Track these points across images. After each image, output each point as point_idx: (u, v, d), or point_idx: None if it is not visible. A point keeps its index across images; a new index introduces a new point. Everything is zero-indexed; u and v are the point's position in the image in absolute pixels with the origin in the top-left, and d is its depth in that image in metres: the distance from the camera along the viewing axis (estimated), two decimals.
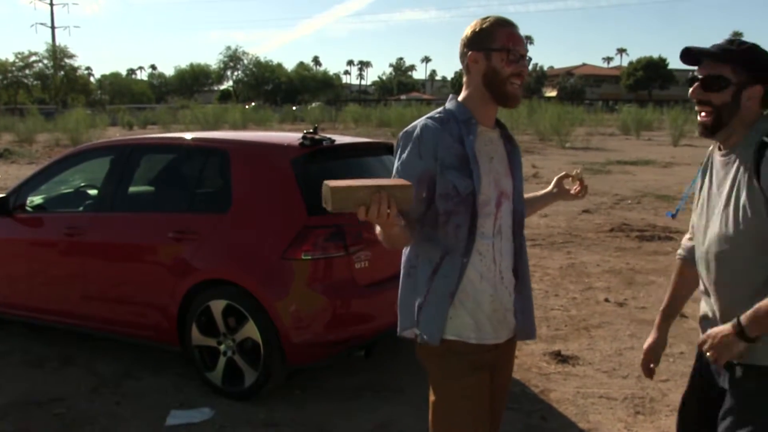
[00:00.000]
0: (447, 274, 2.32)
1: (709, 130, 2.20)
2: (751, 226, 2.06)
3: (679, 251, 2.60)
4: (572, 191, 2.81)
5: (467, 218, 2.29)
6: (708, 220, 2.22)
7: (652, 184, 14.95)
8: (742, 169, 2.11)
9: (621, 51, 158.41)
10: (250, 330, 4.24)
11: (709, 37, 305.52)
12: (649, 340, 2.60)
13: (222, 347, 4.41)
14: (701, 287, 2.35)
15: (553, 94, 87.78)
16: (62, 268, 5.13)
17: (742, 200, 2.08)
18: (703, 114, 2.20)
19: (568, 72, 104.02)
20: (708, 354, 2.15)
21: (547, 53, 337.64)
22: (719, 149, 2.25)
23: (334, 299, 4.19)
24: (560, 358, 5.00)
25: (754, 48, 2.16)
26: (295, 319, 4.15)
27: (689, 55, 2.22)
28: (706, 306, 2.32)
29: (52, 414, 4.23)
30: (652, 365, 2.60)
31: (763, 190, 2.03)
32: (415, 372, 4.76)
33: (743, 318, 2.05)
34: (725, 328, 2.10)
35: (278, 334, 4.14)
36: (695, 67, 2.24)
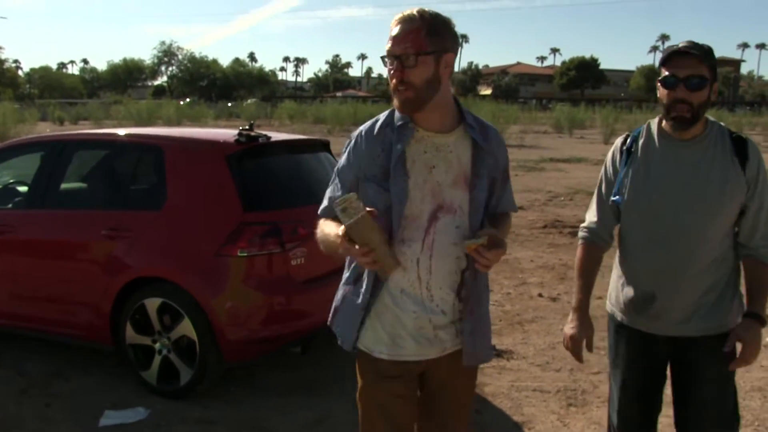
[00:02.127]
0: (362, 286, 2.26)
1: (685, 125, 2.36)
2: (732, 205, 2.39)
3: (584, 234, 2.68)
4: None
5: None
6: (672, 197, 2.39)
7: (585, 181, 15.33)
8: (719, 157, 2.40)
9: (554, 51, 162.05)
10: (186, 328, 4.20)
11: (637, 40, 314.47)
12: (575, 327, 2.62)
13: (157, 345, 4.35)
14: (635, 268, 2.53)
15: (488, 92, 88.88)
16: None
17: (727, 183, 2.37)
18: (682, 110, 2.33)
19: (503, 70, 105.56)
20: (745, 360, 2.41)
21: (483, 52, 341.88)
22: (662, 135, 2.47)
23: (270, 296, 4.19)
24: (495, 352, 5.10)
25: (711, 49, 2.37)
26: (231, 316, 4.14)
27: (664, 55, 2.37)
28: (638, 288, 2.51)
29: None
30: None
31: (747, 181, 2.38)
32: (351, 367, 4.79)
33: (760, 309, 2.41)
34: (754, 328, 2.39)
35: (214, 332, 4.12)
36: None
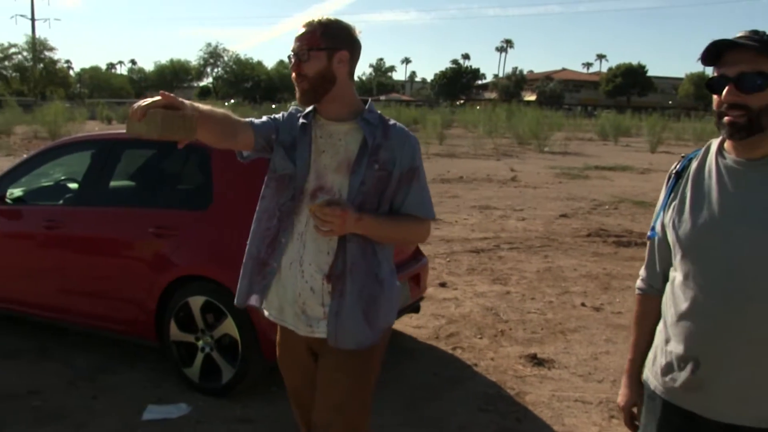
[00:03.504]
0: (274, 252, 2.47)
1: (742, 134, 1.81)
2: None
3: (639, 285, 2.22)
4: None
5: (278, 197, 2.44)
6: (724, 231, 1.83)
7: (630, 190, 15.13)
8: None
9: (600, 57, 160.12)
10: (229, 327, 4.25)
11: (687, 46, 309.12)
12: (626, 395, 2.23)
13: (200, 343, 4.42)
14: (676, 321, 1.94)
15: (533, 98, 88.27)
16: (41, 261, 5.10)
17: None
18: (735, 115, 1.81)
19: (548, 76, 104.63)
20: None
21: (527, 57, 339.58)
22: (722, 155, 1.92)
23: None
24: (536, 361, 5.06)
25: None
26: None
27: (712, 51, 1.84)
28: (677, 348, 1.93)
29: (29, 406, 4.22)
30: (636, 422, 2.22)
31: None
32: (390, 371, 4.81)
33: None
34: None
35: (256, 331, 4.16)
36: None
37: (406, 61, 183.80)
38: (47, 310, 5.13)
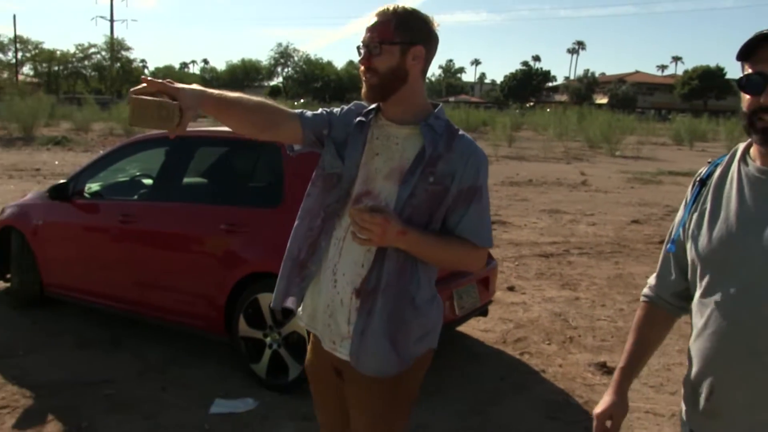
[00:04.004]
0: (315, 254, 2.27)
1: None
2: None
3: (646, 292, 2.05)
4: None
5: (324, 198, 2.23)
6: (742, 246, 1.64)
7: None
8: None
9: (676, 59, 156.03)
10: (296, 324, 4.27)
11: None
12: (605, 403, 1.98)
13: (268, 340, 4.46)
14: (694, 344, 1.76)
15: (604, 101, 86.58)
16: (116, 254, 5.25)
17: None
18: None
19: (620, 79, 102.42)
20: None
21: (599, 60, 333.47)
22: (745, 162, 1.73)
23: None
24: (605, 369, 4.93)
25: None
26: None
27: (750, 45, 1.63)
28: (693, 373, 1.78)
29: (102, 395, 4.34)
30: None
31: None
32: (456, 374, 4.76)
33: None
34: None
35: None
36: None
37: (476, 62, 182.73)
38: (120, 302, 5.27)
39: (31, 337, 5.31)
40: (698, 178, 1.86)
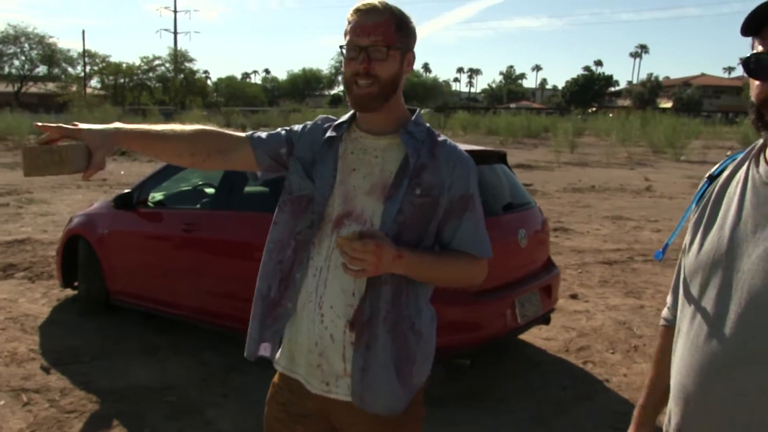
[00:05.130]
0: (270, 276, 2.06)
1: None
2: None
3: (664, 314, 1.75)
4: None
5: (294, 224, 2.02)
6: (733, 258, 1.36)
7: None
8: None
9: None
10: None
11: None
12: None
13: None
14: (676, 363, 1.48)
15: (669, 105, 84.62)
16: (179, 262, 5.33)
17: None
18: None
19: (685, 82, 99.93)
20: None
21: (663, 63, 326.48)
22: (756, 163, 1.43)
23: (440, 305, 4.14)
24: None
25: None
26: None
27: (756, 18, 1.33)
28: (673, 401, 1.48)
29: (163, 400, 4.40)
30: None
31: None
32: (519, 383, 4.68)
33: None
34: None
35: None
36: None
37: (537, 68, 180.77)
38: (183, 310, 5.34)
39: (97, 344, 5.43)
40: (709, 173, 1.58)
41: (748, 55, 1.33)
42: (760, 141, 1.45)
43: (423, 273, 1.94)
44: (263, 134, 2.09)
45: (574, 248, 9.22)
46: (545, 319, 5.07)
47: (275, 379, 2.18)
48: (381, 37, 1.87)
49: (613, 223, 11.37)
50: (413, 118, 2.01)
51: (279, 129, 2.12)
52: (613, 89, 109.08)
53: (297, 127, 2.11)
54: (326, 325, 1.94)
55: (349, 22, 1.90)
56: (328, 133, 2.02)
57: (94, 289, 6.03)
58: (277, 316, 2.04)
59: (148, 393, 4.52)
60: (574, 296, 6.87)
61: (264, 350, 2.09)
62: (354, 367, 1.93)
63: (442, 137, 2.02)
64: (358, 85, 1.89)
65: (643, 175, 19.72)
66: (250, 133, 2.10)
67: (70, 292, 6.62)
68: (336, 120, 2.07)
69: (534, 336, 5.60)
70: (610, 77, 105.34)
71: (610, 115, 54.82)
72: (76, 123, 1.81)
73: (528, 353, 5.31)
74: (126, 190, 5.86)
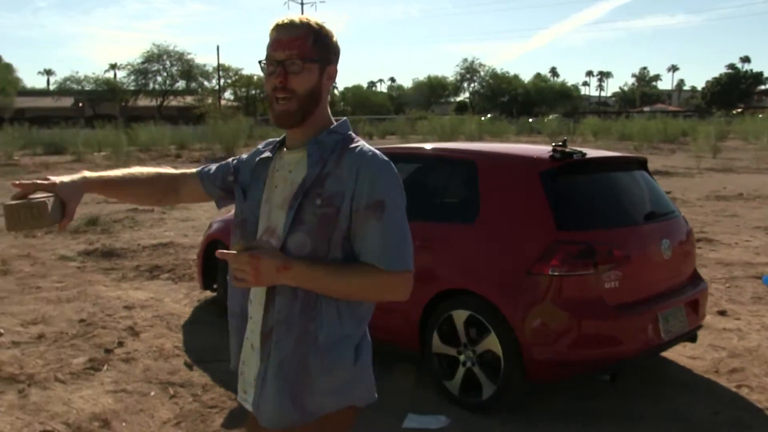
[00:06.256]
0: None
1: None
2: None
3: None
4: None
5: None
6: None
7: None
8: None
9: None
10: (492, 343, 4.18)
11: None
12: None
13: (462, 357, 4.39)
14: None
15: None
16: None
17: None
18: None
19: None
20: None
21: None
22: None
23: (580, 318, 4.02)
24: None
25: None
26: (539, 335, 4.04)
27: None
28: None
29: None
30: None
31: None
32: (663, 404, 4.43)
33: None
34: None
35: (520, 349, 4.05)
36: None
37: (673, 68, 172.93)
38: None
39: None
40: None
41: None
42: None
43: (318, 285, 1.89)
44: (213, 166, 2.24)
45: (721, 260, 8.68)
46: (691, 337, 4.79)
47: None
48: (296, 50, 1.89)
49: (766, 235, 10.62)
50: (332, 126, 2.01)
51: (230, 158, 2.25)
52: (762, 87, 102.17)
53: (245, 155, 2.22)
54: (247, 335, 2.07)
55: (269, 38, 1.94)
56: (264, 154, 2.09)
57: None
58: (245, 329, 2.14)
59: None
60: (722, 313, 6.44)
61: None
62: (257, 376, 2.00)
63: (358, 143, 2.00)
64: (277, 101, 1.93)
65: None
66: (201, 167, 2.27)
67: (209, 293, 6.88)
68: (276, 141, 2.14)
69: (678, 354, 5.29)
70: (760, 74, 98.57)
71: (760, 116, 51.45)
72: (49, 177, 1.95)
73: (672, 372, 5.02)
74: None
